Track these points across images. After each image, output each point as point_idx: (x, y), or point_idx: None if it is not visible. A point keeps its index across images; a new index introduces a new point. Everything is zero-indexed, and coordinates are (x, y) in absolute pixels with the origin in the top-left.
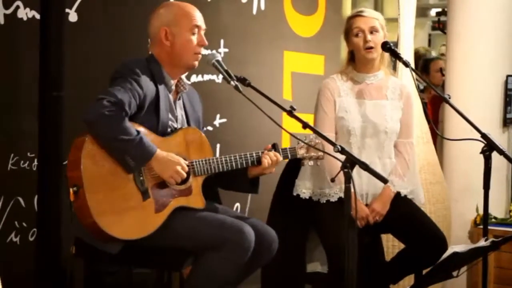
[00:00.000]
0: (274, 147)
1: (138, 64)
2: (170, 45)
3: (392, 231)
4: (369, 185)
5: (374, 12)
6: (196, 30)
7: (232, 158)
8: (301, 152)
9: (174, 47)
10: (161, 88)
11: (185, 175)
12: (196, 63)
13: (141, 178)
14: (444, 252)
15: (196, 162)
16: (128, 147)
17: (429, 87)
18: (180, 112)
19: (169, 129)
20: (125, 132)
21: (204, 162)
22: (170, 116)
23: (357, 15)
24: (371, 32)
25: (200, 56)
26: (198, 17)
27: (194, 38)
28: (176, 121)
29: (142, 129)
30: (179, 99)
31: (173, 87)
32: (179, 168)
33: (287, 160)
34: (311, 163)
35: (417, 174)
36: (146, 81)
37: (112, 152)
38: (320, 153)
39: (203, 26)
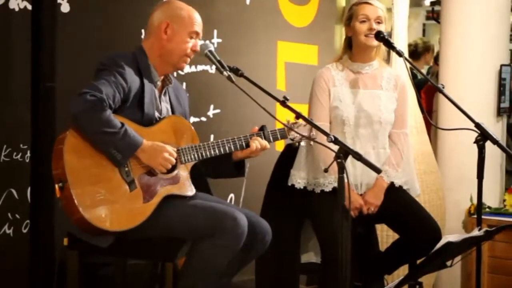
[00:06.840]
0: (262, 129)
1: (123, 57)
2: (166, 39)
3: (386, 221)
4: (363, 175)
5: (380, 3)
6: (194, 35)
7: (220, 142)
8: (291, 133)
9: (170, 43)
10: (146, 82)
11: (174, 160)
12: (184, 65)
13: (126, 169)
14: (438, 242)
15: (182, 149)
16: (114, 140)
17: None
18: (165, 105)
19: (154, 121)
20: (109, 124)
21: (190, 148)
22: (154, 110)
23: (365, 2)
24: (377, 23)
25: (188, 60)
26: (200, 25)
27: (190, 42)
28: (161, 114)
29: (126, 121)
30: (164, 93)
31: (159, 83)
32: (166, 155)
33: (281, 150)
34: (303, 143)
35: (412, 165)
36: (131, 74)
37: (98, 146)
38: (312, 133)
39: (201, 34)
